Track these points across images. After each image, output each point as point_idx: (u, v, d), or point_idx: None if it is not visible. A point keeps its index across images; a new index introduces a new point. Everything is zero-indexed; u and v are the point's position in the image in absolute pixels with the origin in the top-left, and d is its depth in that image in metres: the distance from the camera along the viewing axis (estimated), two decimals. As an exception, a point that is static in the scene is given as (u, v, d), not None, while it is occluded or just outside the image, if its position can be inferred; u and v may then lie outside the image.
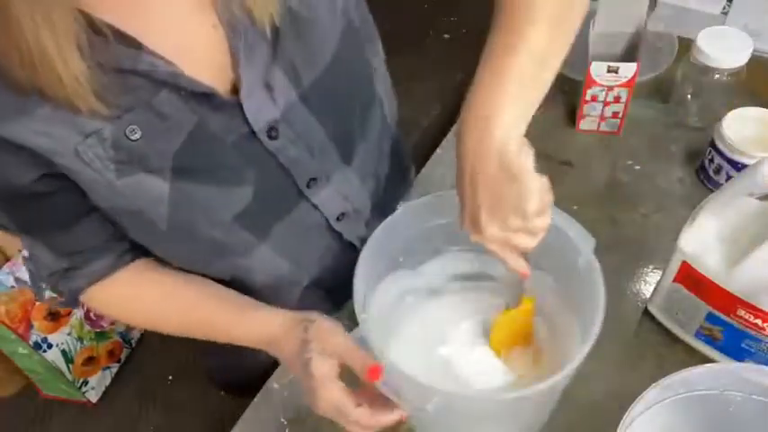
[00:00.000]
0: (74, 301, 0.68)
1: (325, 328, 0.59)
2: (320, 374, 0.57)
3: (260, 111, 0.59)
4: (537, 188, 0.50)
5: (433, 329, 0.73)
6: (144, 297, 0.70)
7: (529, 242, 0.55)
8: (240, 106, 0.57)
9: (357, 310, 0.60)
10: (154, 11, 0.53)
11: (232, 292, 0.69)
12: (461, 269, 0.75)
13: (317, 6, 0.59)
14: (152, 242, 0.65)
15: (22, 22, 0.45)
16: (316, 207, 0.70)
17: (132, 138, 0.54)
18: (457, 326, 0.73)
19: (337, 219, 0.73)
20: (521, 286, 0.66)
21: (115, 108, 0.52)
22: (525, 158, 0.50)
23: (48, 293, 0.72)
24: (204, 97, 0.56)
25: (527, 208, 0.50)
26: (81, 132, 0.52)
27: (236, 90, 0.57)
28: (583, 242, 0.62)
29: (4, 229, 0.62)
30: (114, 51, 0.50)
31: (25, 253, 0.67)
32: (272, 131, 0.60)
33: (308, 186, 0.67)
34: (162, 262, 0.69)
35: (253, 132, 0.59)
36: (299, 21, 0.58)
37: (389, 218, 0.67)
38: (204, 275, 0.71)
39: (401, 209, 0.68)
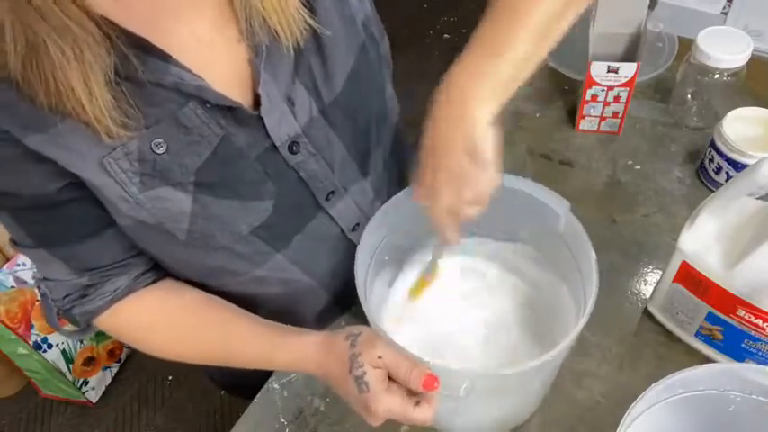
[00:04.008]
0: (87, 328, 0.66)
1: (370, 338, 0.58)
2: (375, 387, 0.56)
3: (281, 125, 0.59)
4: (494, 172, 0.56)
5: (428, 310, 0.74)
6: (169, 317, 0.68)
7: (474, 211, 0.59)
8: (262, 121, 0.58)
9: (370, 318, 0.59)
10: (178, 26, 0.53)
11: (260, 318, 0.68)
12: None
13: (338, 25, 0.59)
14: (168, 255, 0.64)
15: (53, 54, 0.45)
16: (333, 219, 0.70)
17: (158, 151, 0.54)
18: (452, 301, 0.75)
19: (352, 229, 0.73)
20: (440, 255, 0.72)
21: (138, 129, 0.52)
22: (490, 142, 0.54)
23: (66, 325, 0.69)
24: (228, 111, 0.56)
25: (482, 188, 0.56)
26: (107, 145, 0.52)
27: (258, 104, 0.57)
28: (558, 205, 0.63)
29: (19, 246, 0.61)
30: (142, 64, 0.50)
31: (38, 275, 0.64)
32: (293, 146, 0.61)
33: (326, 199, 0.67)
34: (180, 281, 0.69)
35: (275, 147, 0.60)
36: (320, 39, 0.58)
37: (375, 216, 0.67)
38: (218, 288, 0.70)
39: (384, 206, 0.68)
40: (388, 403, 0.56)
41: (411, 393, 0.57)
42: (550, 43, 0.56)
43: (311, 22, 0.56)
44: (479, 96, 0.54)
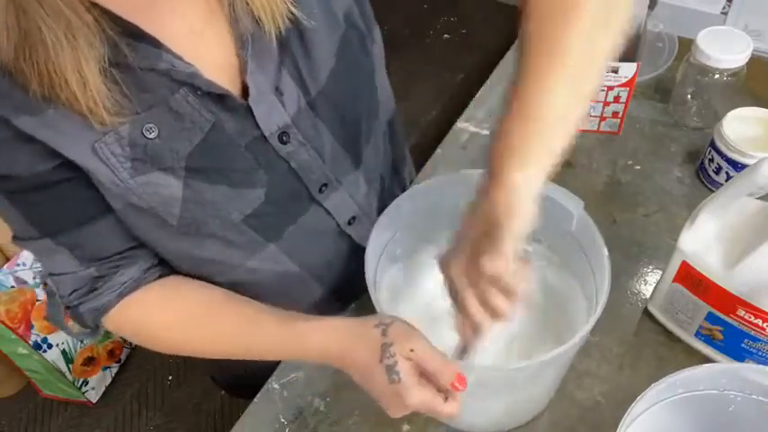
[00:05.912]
0: (96, 328, 0.66)
1: (403, 329, 0.57)
2: (407, 379, 0.55)
3: (270, 115, 0.59)
4: (520, 249, 0.51)
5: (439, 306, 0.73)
6: (181, 313, 0.67)
7: (501, 303, 0.54)
8: (251, 110, 0.58)
9: (378, 311, 0.60)
10: (168, 17, 0.53)
11: (276, 308, 0.66)
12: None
13: (319, 16, 0.59)
14: (161, 242, 0.64)
15: (47, 41, 0.45)
16: (328, 212, 0.70)
17: (149, 136, 0.54)
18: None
19: (348, 223, 0.73)
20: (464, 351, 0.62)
21: (131, 114, 0.52)
22: (525, 215, 0.51)
23: (72, 326, 0.67)
24: (219, 99, 0.56)
25: (502, 263, 0.51)
26: (99, 130, 0.52)
27: (247, 94, 0.58)
28: (572, 204, 0.63)
29: (22, 240, 0.60)
30: (134, 50, 0.50)
31: (44, 271, 0.63)
32: (283, 136, 0.61)
33: (320, 191, 0.67)
34: (180, 273, 0.68)
35: (264, 136, 0.60)
36: (303, 30, 0.58)
37: (386, 211, 0.68)
38: (211, 281, 0.70)
39: (394, 203, 0.69)
40: (420, 396, 0.55)
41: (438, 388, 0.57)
42: (589, 90, 0.54)
43: (294, 10, 0.56)
44: (519, 164, 0.51)
